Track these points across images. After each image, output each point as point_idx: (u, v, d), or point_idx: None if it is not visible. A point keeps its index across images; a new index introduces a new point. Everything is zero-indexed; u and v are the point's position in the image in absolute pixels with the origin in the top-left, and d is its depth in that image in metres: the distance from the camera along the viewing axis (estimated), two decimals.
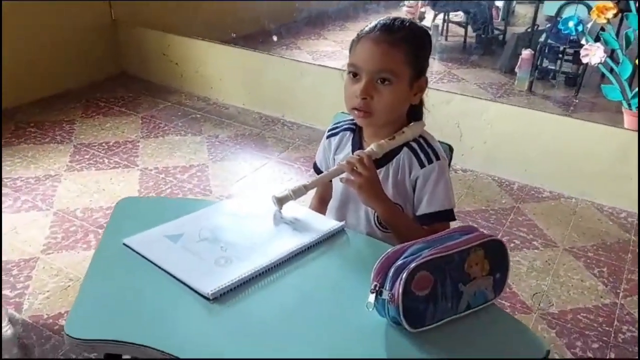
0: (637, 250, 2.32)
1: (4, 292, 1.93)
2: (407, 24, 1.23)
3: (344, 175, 1.23)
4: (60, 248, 2.19)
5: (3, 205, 2.44)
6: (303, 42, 5.01)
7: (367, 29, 1.24)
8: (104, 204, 2.49)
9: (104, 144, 3.02)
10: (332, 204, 1.42)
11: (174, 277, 1.00)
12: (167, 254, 1.06)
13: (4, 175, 2.67)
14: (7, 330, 1.81)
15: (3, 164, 2.78)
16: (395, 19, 1.23)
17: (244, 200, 1.34)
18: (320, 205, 1.47)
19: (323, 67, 3.53)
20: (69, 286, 2.00)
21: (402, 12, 5.00)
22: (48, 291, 1.97)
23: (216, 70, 3.63)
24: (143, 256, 1.05)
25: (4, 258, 2.11)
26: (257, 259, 1.05)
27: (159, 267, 1.03)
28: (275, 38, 4.70)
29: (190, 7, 4.06)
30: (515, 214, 2.58)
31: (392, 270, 0.89)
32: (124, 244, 1.08)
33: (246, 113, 3.51)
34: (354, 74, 1.22)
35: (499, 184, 2.83)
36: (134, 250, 1.07)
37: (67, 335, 0.85)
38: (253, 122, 3.40)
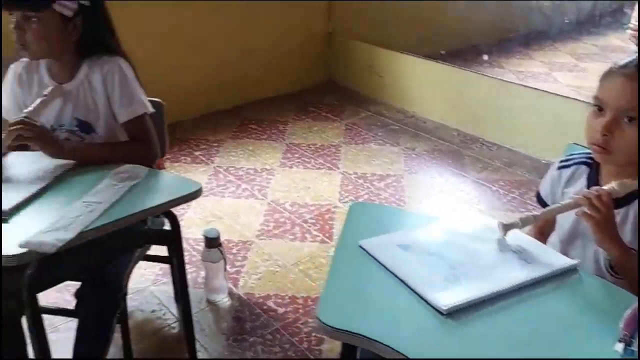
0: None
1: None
2: None
3: (577, 209, 1.19)
4: (271, 236, 2.44)
5: (227, 190, 2.81)
6: (507, 60, 4.84)
7: (621, 62, 1.18)
8: (309, 200, 2.71)
9: (311, 146, 3.28)
10: (555, 238, 1.38)
11: (407, 285, 1.07)
12: (400, 262, 1.13)
13: (229, 165, 3.06)
14: (227, 302, 2.08)
15: (229, 154, 3.18)
16: None
17: (464, 220, 1.37)
18: (540, 236, 1.41)
19: (530, 89, 3.37)
20: (277, 272, 2.22)
21: (627, 35, 4.55)
22: (260, 273, 2.22)
23: (417, 84, 3.70)
24: (377, 259, 1.14)
25: (225, 237, 2.42)
26: (487, 283, 1.06)
27: (392, 273, 1.10)
28: (486, 57, 4.60)
29: (403, 22, 4.19)
30: None
31: None
32: (359, 245, 1.18)
33: (443, 128, 3.52)
34: (600, 108, 1.18)
35: None
36: (367, 253, 1.17)
37: (320, 321, 0.97)
38: (450, 138, 3.39)
